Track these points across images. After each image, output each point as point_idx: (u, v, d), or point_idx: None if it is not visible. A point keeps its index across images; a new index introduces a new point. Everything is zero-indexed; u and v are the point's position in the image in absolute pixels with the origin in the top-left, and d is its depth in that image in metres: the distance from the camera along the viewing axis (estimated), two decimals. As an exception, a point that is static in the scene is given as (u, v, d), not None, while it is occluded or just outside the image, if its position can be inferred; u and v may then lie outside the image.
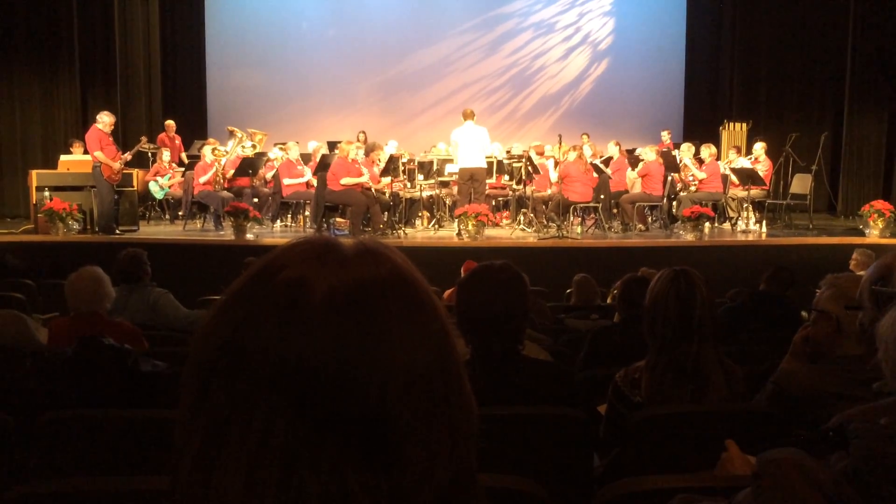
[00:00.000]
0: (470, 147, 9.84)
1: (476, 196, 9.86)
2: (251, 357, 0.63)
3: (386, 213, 10.16)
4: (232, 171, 10.56)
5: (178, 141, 12.53)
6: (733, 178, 10.87)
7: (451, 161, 11.29)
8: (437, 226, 10.86)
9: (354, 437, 0.63)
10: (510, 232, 10.52)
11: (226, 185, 10.43)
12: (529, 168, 10.87)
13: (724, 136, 13.06)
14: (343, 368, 0.63)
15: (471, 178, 9.86)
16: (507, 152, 12.33)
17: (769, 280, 5.29)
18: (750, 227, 10.72)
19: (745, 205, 10.88)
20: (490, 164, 10.79)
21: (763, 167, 10.90)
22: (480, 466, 0.73)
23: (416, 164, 11.47)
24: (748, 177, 10.53)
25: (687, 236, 9.62)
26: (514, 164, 11.38)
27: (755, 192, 10.65)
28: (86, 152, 9.98)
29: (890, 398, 1.14)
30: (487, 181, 10.87)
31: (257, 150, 11.32)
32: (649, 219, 11.22)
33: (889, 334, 1.13)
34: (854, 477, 1.00)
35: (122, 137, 11.92)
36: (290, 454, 0.62)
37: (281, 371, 0.62)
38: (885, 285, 1.77)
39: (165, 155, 11.57)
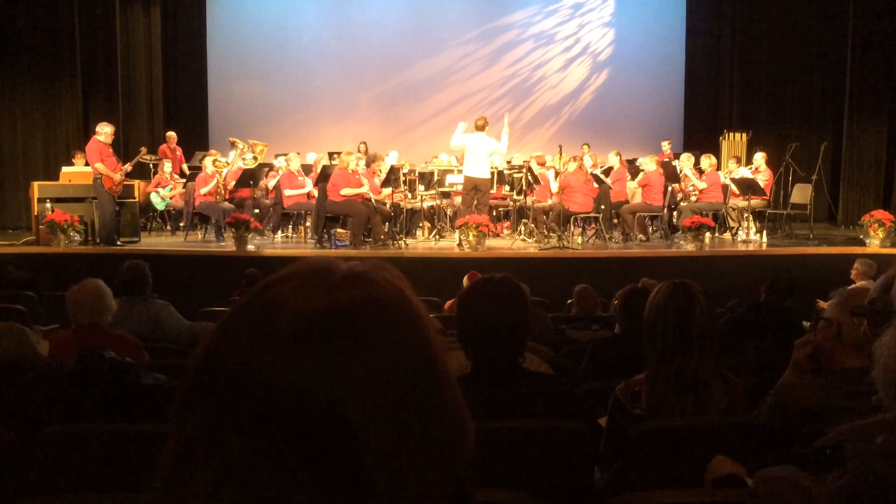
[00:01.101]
0: (478, 157, 9.84)
1: (479, 207, 9.88)
2: (220, 379, 0.64)
3: (387, 223, 10.17)
4: (233, 183, 10.58)
5: (179, 152, 12.56)
6: (733, 188, 10.88)
7: (451, 171, 11.31)
8: (437, 236, 10.87)
9: (319, 464, 0.62)
10: (511, 242, 10.52)
11: (227, 197, 10.45)
12: (530, 178, 10.89)
13: (724, 146, 13.08)
14: (302, 390, 0.62)
15: (475, 189, 9.87)
16: (508, 163, 12.34)
17: (768, 290, 5.30)
18: (750, 237, 10.72)
19: (746, 215, 10.88)
20: (491, 174, 10.81)
21: (763, 177, 10.92)
22: (479, 481, 0.73)
23: (416, 174, 11.49)
24: (748, 187, 10.55)
25: (687, 246, 9.63)
26: (515, 175, 11.40)
27: (755, 202, 10.65)
28: (87, 164, 10.01)
29: (886, 415, 1.15)
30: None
31: (258, 162, 11.34)
32: (650, 229, 11.23)
33: (887, 353, 1.14)
34: (850, 495, 1.00)
35: (124, 149, 11.95)
36: (252, 482, 0.62)
37: (244, 393, 0.63)
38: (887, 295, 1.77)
39: (167, 166, 11.60)
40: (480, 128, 9.95)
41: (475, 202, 9.88)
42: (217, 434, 0.63)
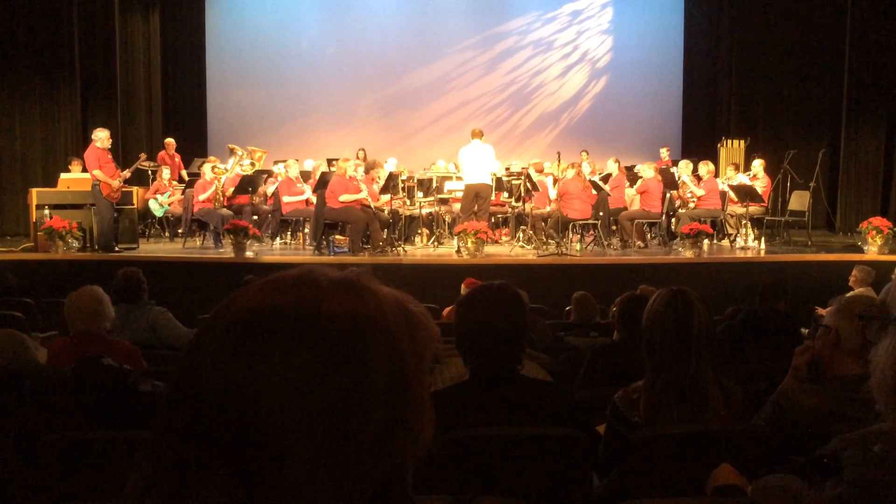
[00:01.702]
0: (477, 165, 9.89)
1: (480, 213, 9.89)
2: (182, 385, 0.68)
3: (385, 230, 10.17)
4: (231, 189, 10.58)
5: (177, 159, 12.56)
6: (732, 194, 10.90)
7: (450, 178, 11.33)
8: (436, 243, 10.87)
9: (241, 467, 0.65)
10: (509, 249, 10.53)
11: (225, 203, 10.45)
12: (528, 185, 10.90)
13: (723, 153, 13.10)
14: (228, 393, 0.64)
15: (476, 196, 9.90)
16: (507, 169, 12.35)
17: (763, 297, 5.30)
18: (749, 244, 10.73)
19: (744, 221, 10.90)
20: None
21: (761, 184, 10.93)
22: (477, 488, 0.73)
23: (415, 181, 11.50)
24: (746, 194, 10.56)
25: (686, 253, 9.63)
26: (514, 182, 11.41)
27: (753, 208, 10.67)
28: (85, 170, 10.01)
29: (883, 424, 1.15)
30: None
31: (257, 168, 11.34)
32: (648, 236, 11.24)
33: (884, 362, 1.14)
34: (847, 503, 1.00)
35: (122, 155, 11.95)
36: (180, 483, 0.65)
37: (181, 393, 0.66)
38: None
39: (165, 173, 11.59)
40: (477, 135, 9.98)
41: (475, 208, 9.89)
42: (160, 431, 0.67)
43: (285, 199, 10.46)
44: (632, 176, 11.57)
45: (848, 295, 2.34)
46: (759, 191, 10.69)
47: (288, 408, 0.65)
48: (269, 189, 11.18)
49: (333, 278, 0.71)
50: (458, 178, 10.83)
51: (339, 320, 0.68)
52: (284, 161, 11.16)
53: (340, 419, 0.66)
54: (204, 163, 11.22)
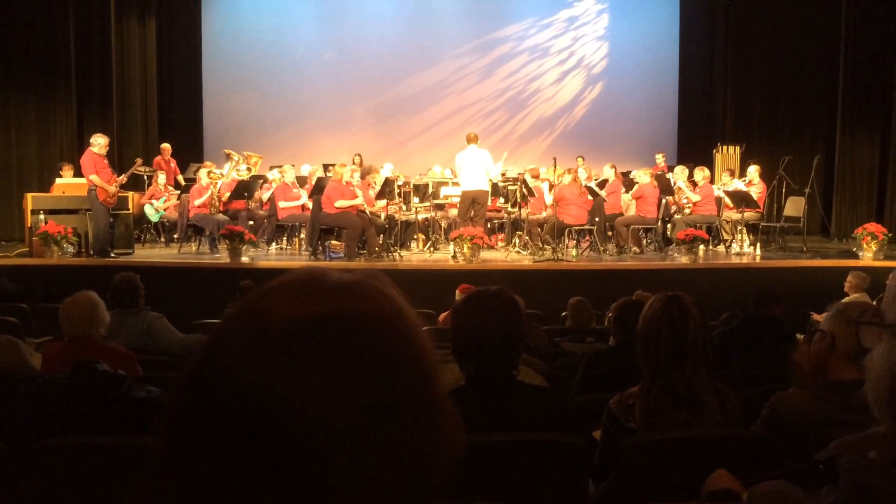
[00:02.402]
0: (473, 170, 9.90)
1: (476, 219, 9.89)
2: (209, 393, 0.64)
3: (381, 235, 10.16)
4: (227, 194, 10.57)
5: (173, 164, 12.55)
6: (727, 200, 10.92)
7: (446, 184, 11.34)
8: (432, 248, 10.87)
9: (287, 478, 0.62)
10: (505, 255, 10.53)
11: (221, 208, 10.44)
12: (524, 191, 10.90)
13: (718, 158, 13.13)
14: (282, 402, 0.62)
15: (473, 202, 9.90)
16: (503, 175, 12.37)
17: (757, 304, 5.31)
18: (744, 250, 10.75)
19: (739, 227, 10.92)
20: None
21: (757, 190, 10.95)
22: (473, 494, 0.73)
23: (411, 186, 11.50)
24: (742, 199, 10.58)
25: (681, 259, 9.64)
26: (510, 187, 11.41)
27: (749, 214, 10.69)
28: (76, 175, 9.99)
29: (879, 429, 1.15)
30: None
31: (253, 173, 11.34)
32: (644, 241, 11.25)
33: (878, 368, 1.14)
34: (844, 509, 1.01)
35: (118, 160, 11.94)
36: (228, 497, 0.62)
37: (228, 405, 0.62)
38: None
39: (161, 178, 11.58)
40: (473, 140, 10.01)
41: (472, 213, 9.90)
42: (192, 449, 0.63)
43: (281, 204, 10.46)
44: (627, 182, 11.59)
45: (844, 300, 2.36)
46: (755, 197, 10.72)
47: (352, 415, 0.63)
48: (265, 195, 11.17)
49: (364, 282, 0.71)
50: (455, 184, 10.84)
51: (394, 325, 0.69)
52: (280, 166, 11.16)
53: (404, 421, 0.66)
54: (200, 168, 11.21)
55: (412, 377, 0.68)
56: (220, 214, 10.29)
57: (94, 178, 9.13)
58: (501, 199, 11.49)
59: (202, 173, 10.68)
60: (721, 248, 11.09)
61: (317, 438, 0.62)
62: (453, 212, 10.84)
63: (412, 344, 0.69)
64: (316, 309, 0.66)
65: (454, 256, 9.54)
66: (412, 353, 0.69)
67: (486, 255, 9.86)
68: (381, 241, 10.04)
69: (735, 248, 10.88)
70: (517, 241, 11.06)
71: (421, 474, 0.68)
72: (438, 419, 0.70)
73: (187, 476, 0.63)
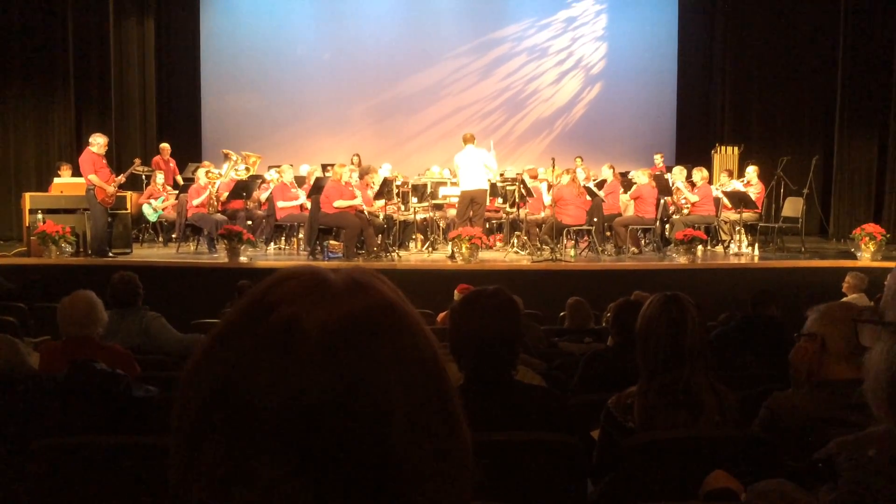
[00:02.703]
0: (472, 170, 9.90)
1: (475, 218, 9.88)
2: (247, 406, 0.61)
3: (380, 235, 10.16)
4: (226, 194, 10.57)
5: (172, 164, 12.55)
6: (725, 201, 10.92)
7: (444, 184, 11.34)
8: (430, 248, 10.87)
9: (360, 487, 0.60)
10: (504, 255, 10.53)
11: (219, 208, 10.43)
12: (523, 191, 10.91)
13: (716, 159, 13.14)
14: (343, 407, 0.60)
15: (471, 201, 9.90)
16: (501, 175, 12.36)
17: (755, 305, 5.31)
18: (742, 250, 10.75)
19: (738, 228, 10.92)
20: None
21: (755, 190, 10.96)
22: (472, 494, 0.72)
23: (410, 186, 11.50)
24: (740, 200, 10.59)
25: (680, 259, 9.65)
26: (508, 188, 11.42)
27: (747, 215, 10.69)
28: (74, 175, 9.98)
29: (878, 428, 1.15)
30: (481, 204, 10.92)
31: (251, 173, 11.33)
32: (642, 242, 11.26)
33: (877, 366, 1.14)
34: (843, 508, 1.01)
35: (116, 160, 11.93)
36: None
37: (279, 419, 0.60)
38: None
39: (159, 177, 11.57)
40: (469, 140, 10.00)
41: (470, 213, 9.89)
42: (255, 470, 0.60)
43: (280, 204, 10.46)
44: (626, 182, 11.59)
45: (842, 301, 2.37)
46: (753, 197, 10.72)
47: (414, 416, 0.62)
48: (264, 195, 11.17)
49: (364, 278, 0.70)
50: (454, 184, 10.84)
51: (408, 312, 0.68)
52: (279, 166, 11.16)
53: (447, 415, 0.66)
54: (198, 168, 11.21)
55: (436, 359, 0.68)
56: (219, 214, 10.29)
57: (92, 177, 9.12)
58: (500, 200, 11.49)
59: (200, 173, 10.67)
60: (719, 248, 11.10)
61: (378, 435, 0.61)
62: (452, 212, 10.84)
63: (427, 334, 0.69)
64: (339, 310, 0.64)
65: (452, 256, 9.53)
66: (431, 343, 0.69)
67: (484, 255, 9.86)
68: (379, 241, 10.04)
69: (733, 248, 10.89)
70: (515, 241, 11.07)
71: (468, 468, 0.67)
72: (459, 407, 0.69)
73: (244, 484, 0.60)
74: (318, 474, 0.60)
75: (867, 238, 9.62)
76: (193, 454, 0.62)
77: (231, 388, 0.62)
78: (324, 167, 11.71)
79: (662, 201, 10.99)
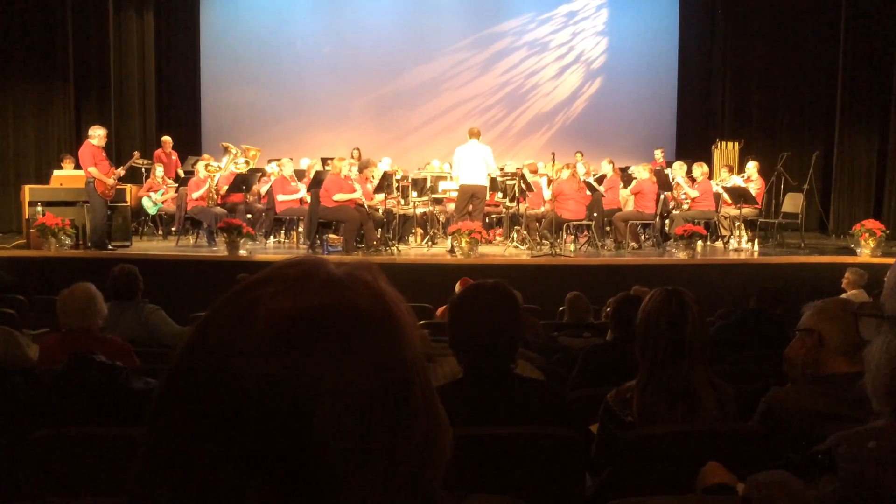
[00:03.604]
0: (473, 165, 9.87)
1: (475, 213, 9.87)
2: (194, 383, 0.63)
3: (379, 229, 10.16)
4: (225, 188, 10.56)
5: (174, 157, 12.54)
6: (726, 196, 10.92)
7: (444, 178, 11.33)
8: (430, 243, 10.87)
9: (282, 471, 0.62)
10: (503, 249, 10.53)
11: (219, 201, 10.43)
12: (523, 186, 10.90)
13: (717, 154, 13.13)
14: (271, 393, 0.61)
15: (472, 196, 9.88)
16: (501, 170, 12.34)
17: (758, 299, 5.32)
18: (742, 246, 10.76)
19: (738, 223, 10.92)
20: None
21: (755, 186, 10.95)
22: (469, 486, 0.72)
23: (409, 180, 11.49)
24: (740, 195, 10.58)
25: (679, 254, 9.65)
26: (508, 182, 11.41)
27: (747, 210, 10.69)
28: (77, 167, 9.97)
29: (878, 422, 1.15)
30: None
31: (251, 167, 11.32)
32: (642, 237, 11.26)
33: (877, 360, 1.14)
34: (841, 501, 1.01)
35: (116, 153, 11.92)
36: (215, 488, 0.61)
37: (214, 394, 0.62)
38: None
39: (158, 170, 11.57)
40: (475, 135, 9.98)
41: (470, 208, 9.87)
42: (180, 440, 0.62)
43: (279, 197, 10.45)
44: (626, 177, 11.59)
45: (841, 297, 2.37)
46: (753, 193, 10.72)
47: (342, 417, 0.63)
48: (263, 188, 11.16)
49: (355, 276, 0.70)
50: (452, 178, 10.83)
51: (381, 321, 0.68)
52: (279, 160, 11.15)
53: (390, 426, 0.66)
54: (198, 161, 11.20)
55: (398, 374, 0.68)
56: (218, 207, 10.29)
57: (92, 170, 9.11)
58: (500, 194, 11.49)
59: (200, 166, 10.67)
60: (719, 243, 11.10)
61: (306, 430, 0.62)
62: (451, 206, 10.83)
63: (399, 342, 0.69)
64: (305, 302, 0.65)
65: (451, 251, 9.53)
66: (398, 351, 0.68)
67: (483, 249, 9.85)
68: (379, 235, 10.04)
69: (733, 243, 10.89)
70: (515, 235, 11.07)
71: (416, 469, 0.67)
72: (422, 417, 0.69)
73: (178, 466, 0.62)
74: (242, 452, 0.61)
75: (867, 234, 9.61)
76: (154, 419, 0.65)
77: (189, 366, 0.65)
78: (323, 161, 11.70)
79: (662, 196, 10.99)
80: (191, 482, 0.62)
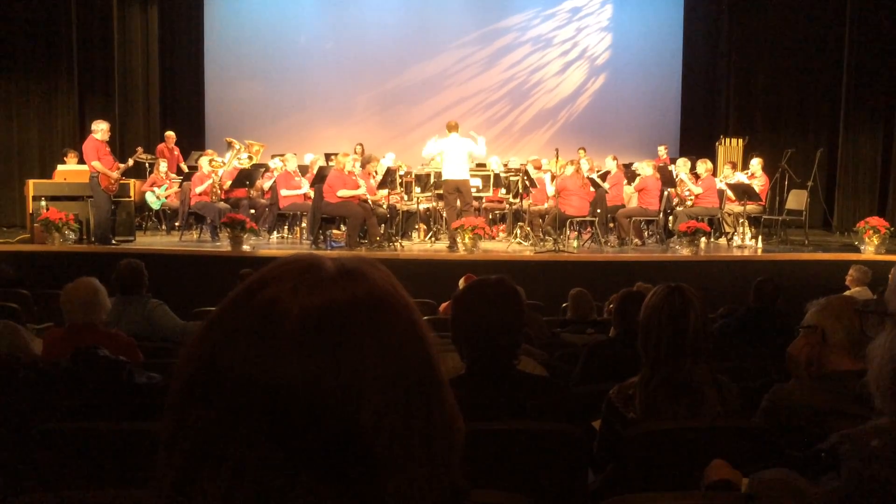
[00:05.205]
0: (455, 159, 9.72)
1: (465, 208, 9.75)
2: (225, 381, 0.63)
3: (383, 225, 10.16)
4: (229, 183, 10.57)
5: (177, 152, 12.54)
6: (729, 193, 10.90)
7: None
8: (433, 238, 10.87)
9: (330, 466, 0.62)
10: (507, 245, 10.53)
11: (223, 196, 10.44)
12: (526, 182, 10.89)
13: (721, 151, 13.11)
14: (315, 391, 0.62)
15: (457, 190, 9.76)
16: (505, 166, 12.35)
17: (756, 296, 5.30)
18: (746, 243, 10.74)
19: (741, 220, 10.90)
20: (486, 177, 10.82)
21: (759, 183, 10.93)
22: (473, 482, 0.73)
23: (413, 176, 11.48)
24: (744, 192, 10.57)
25: (683, 251, 9.64)
26: (511, 178, 11.40)
27: (751, 207, 10.67)
28: (81, 162, 9.97)
29: (881, 420, 1.15)
30: (484, 195, 10.89)
31: (254, 162, 11.33)
32: (645, 233, 11.24)
33: (880, 357, 1.14)
34: (844, 498, 1.01)
35: (120, 148, 11.93)
36: (265, 487, 0.62)
37: (254, 396, 0.62)
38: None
39: (162, 165, 11.57)
40: (453, 128, 9.82)
41: (459, 204, 9.74)
42: (230, 436, 0.62)
43: (283, 192, 10.45)
44: (630, 174, 11.58)
45: (845, 294, 2.36)
46: (757, 189, 10.70)
47: (384, 407, 0.64)
48: (267, 183, 11.17)
49: (359, 266, 0.71)
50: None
51: (398, 307, 0.70)
52: (282, 155, 11.15)
53: (425, 413, 0.67)
54: (201, 156, 11.20)
55: (424, 354, 0.69)
56: (222, 202, 10.29)
57: (96, 164, 9.12)
58: (503, 190, 11.48)
59: (203, 161, 10.67)
60: (723, 240, 11.08)
61: (348, 419, 0.62)
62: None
63: (417, 323, 0.70)
64: (323, 297, 0.66)
65: (451, 247, 9.51)
66: (420, 334, 0.70)
67: (487, 245, 9.84)
68: (382, 231, 10.04)
69: (737, 240, 10.87)
70: (518, 231, 11.06)
71: (447, 456, 0.69)
72: (450, 399, 0.71)
73: (226, 469, 0.62)
74: (289, 451, 0.62)
75: (871, 231, 9.60)
76: (178, 429, 0.65)
77: (214, 363, 0.64)
78: (327, 156, 11.70)
79: (666, 193, 10.97)
80: (240, 484, 0.62)
